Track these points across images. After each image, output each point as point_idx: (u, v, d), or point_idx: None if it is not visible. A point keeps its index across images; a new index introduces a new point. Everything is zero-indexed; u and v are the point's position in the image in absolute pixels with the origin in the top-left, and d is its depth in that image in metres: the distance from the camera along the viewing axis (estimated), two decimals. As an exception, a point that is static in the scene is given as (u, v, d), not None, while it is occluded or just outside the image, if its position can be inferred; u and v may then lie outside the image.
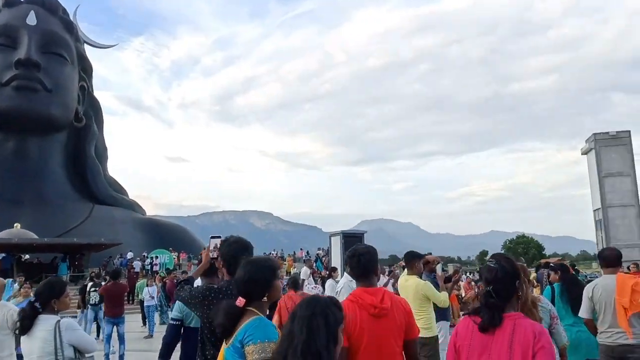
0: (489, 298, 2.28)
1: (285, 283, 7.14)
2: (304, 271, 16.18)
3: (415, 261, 5.10)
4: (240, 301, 2.30)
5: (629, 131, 36.47)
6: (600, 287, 4.41)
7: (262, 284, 2.34)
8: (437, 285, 5.39)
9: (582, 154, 40.10)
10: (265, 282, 2.34)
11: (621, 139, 35.72)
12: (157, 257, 32.35)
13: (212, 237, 3.14)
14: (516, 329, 2.18)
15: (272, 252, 43.01)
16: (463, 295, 17.32)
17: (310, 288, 10.32)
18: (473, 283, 18.57)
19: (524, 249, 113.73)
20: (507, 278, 2.31)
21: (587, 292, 4.50)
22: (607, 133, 36.56)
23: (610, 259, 4.53)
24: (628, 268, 12.17)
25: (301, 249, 46.74)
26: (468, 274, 26.32)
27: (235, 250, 2.88)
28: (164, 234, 39.82)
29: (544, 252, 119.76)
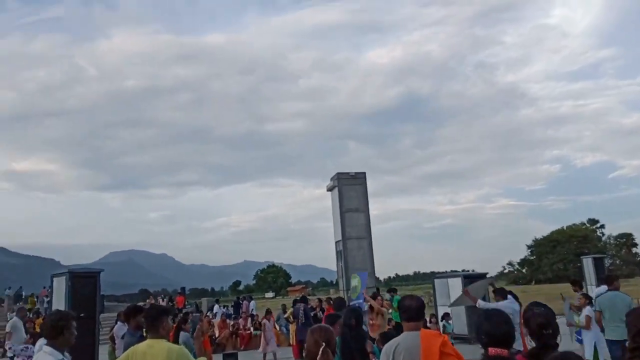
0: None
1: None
2: (12, 323, 11.79)
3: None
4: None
5: (365, 172, 41.77)
6: (403, 348, 3.40)
7: None
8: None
9: (327, 190, 44.21)
10: None
11: (359, 179, 40.55)
12: None
13: None
14: None
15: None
16: (217, 335, 16.28)
17: (18, 350, 7.79)
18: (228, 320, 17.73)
19: (274, 277, 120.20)
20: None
21: (385, 353, 3.50)
22: (348, 173, 41.16)
23: (411, 311, 3.54)
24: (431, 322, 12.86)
25: (44, 287, 36.84)
26: (222, 307, 25.30)
27: None
28: None
29: (290, 280, 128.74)
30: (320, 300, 12.91)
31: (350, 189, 40.43)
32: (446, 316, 12.22)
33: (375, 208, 41.34)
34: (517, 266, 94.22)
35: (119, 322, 10.16)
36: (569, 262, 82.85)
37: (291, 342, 13.94)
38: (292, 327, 13.52)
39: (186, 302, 34.09)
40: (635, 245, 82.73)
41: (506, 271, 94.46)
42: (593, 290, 17.35)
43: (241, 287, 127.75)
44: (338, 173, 41.58)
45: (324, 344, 2.76)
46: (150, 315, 3.71)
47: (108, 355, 11.63)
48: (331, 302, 15.03)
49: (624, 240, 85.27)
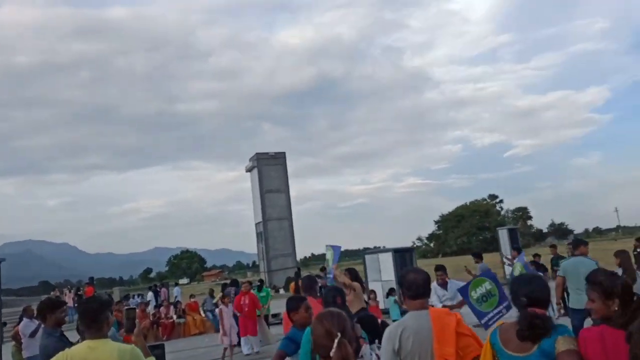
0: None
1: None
2: None
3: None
4: None
5: (284, 152, 41.25)
6: (411, 332, 2.81)
7: None
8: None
9: (246, 171, 43.20)
10: None
11: (278, 159, 40.01)
12: None
13: None
14: None
15: None
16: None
17: None
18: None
19: (188, 263, 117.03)
20: None
21: (389, 338, 2.87)
22: (267, 153, 40.41)
23: (416, 287, 2.92)
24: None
25: None
26: (137, 297, 23.80)
27: None
28: None
29: (205, 265, 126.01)
30: (250, 283, 12.26)
31: (270, 169, 39.85)
32: (392, 291, 12.03)
33: (292, 189, 41.12)
34: (425, 241, 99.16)
35: (24, 319, 8.96)
36: (472, 235, 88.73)
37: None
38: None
39: (95, 293, 31.83)
40: (530, 217, 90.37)
41: (415, 246, 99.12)
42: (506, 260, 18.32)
43: (153, 275, 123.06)
44: (257, 153, 40.76)
45: (339, 334, 2.16)
46: (91, 310, 2.94)
47: (12, 356, 10.32)
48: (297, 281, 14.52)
49: (520, 213, 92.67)
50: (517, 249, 13.15)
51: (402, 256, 14.41)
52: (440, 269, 7.87)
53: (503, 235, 19.41)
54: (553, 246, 12.76)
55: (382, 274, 14.34)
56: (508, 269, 18.18)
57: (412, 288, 2.94)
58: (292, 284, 14.87)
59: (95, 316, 2.93)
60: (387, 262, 14.20)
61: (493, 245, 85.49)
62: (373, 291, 11.20)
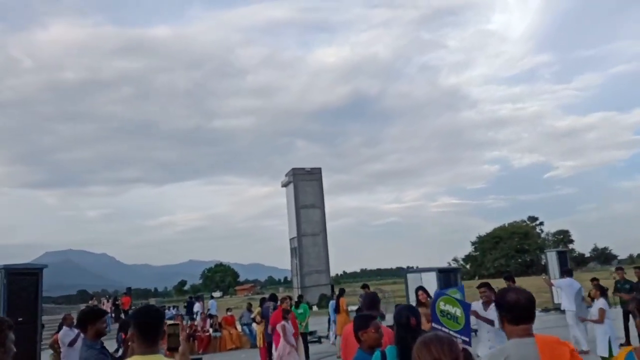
0: None
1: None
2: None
3: None
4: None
5: (320, 168, 41.04)
6: None
7: None
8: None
9: (282, 186, 43.16)
10: None
11: (314, 174, 39.78)
12: None
13: None
14: None
15: None
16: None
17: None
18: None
19: (221, 276, 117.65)
20: None
21: None
22: (304, 169, 40.26)
23: (518, 310, 2.45)
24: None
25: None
26: (172, 309, 23.73)
27: None
28: None
29: (238, 279, 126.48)
30: (289, 298, 11.89)
31: (305, 185, 39.65)
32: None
33: (326, 206, 40.84)
34: (461, 262, 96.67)
35: (64, 327, 8.87)
36: (511, 258, 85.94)
37: (258, 344, 12.86)
38: (260, 328, 12.42)
39: (132, 304, 32.11)
40: (572, 241, 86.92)
41: (451, 267, 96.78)
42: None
43: (187, 287, 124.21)
44: (293, 168, 40.67)
45: None
46: (150, 322, 2.63)
47: (50, 364, 10.25)
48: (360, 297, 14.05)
49: (562, 236, 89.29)
50: (567, 271, 12.39)
51: (446, 276, 13.78)
52: (484, 285, 6.85)
53: (552, 258, 18.47)
54: (620, 269, 11.86)
55: (425, 294, 13.74)
56: (555, 294, 17.24)
57: (514, 311, 2.44)
58: (342, 300, 14.29)
59: (154, 329, 2.63)
60: (430, 283, 13.56)
61: (532, 268, 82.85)
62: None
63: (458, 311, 5.32)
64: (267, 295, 14.17)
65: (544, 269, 19.79)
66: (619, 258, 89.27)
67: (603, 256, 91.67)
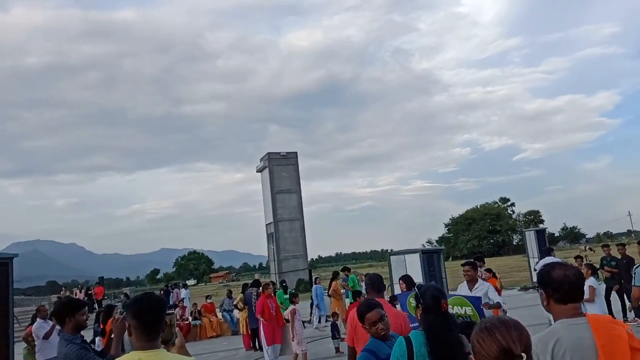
0: None
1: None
2: None
3: None
4: None
5: (296, 152, 40.50)
6: (565, 344, 2.09)
7: None
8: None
9: (257, 171, 42.51)
10: None
11: (290, 159, 39.26)
12: None
13: None
14: None
15: None
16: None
17: None
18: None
19: (195, 264, 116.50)
20: None
21: (537, 354, 2.08)
22: (279, 153, 39.70)
23: (568, 287, 2.19)
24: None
25: None
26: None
27: None
28: None
29: (213, 266, 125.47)
30: (273, 283, 11.55)
31: (281, 169, 39.11)
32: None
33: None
34: (435, 244, 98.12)
35: (38, 319, 8.36)
36: (483, 239, 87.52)
37: (241, 331, 12.53)
38: (242, 315, 12.08)
39: (105, 294, 31.31)
40: (542, 221, 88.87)
41: (434, 248, 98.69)
42: (534, 262, 17.53)
43: (160, 276, 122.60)
44: (269, 153, 40.04)
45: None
46: (152, 312, 2.28)
47: (24, 358, 9.69)
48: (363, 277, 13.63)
49: (532, 217, 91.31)
50: (547, 250, 12.38)
51: (429, 257, 13.68)
52: (469, 264, 6.40)
53: (530, 236, 18.60)
54: (606, 245, 11.90)
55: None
56: (533, 273, 17.39)
57: (563, 288, 2.16)
58: (335, 283, 13.87)
59: (155, 320, 2.27)
60: (414, 264, 13.44)
61: (504, 249, 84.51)
62: (394, 296, 10.46)
63: (469, 310, 4.96)
64: (249, 282, 13.81)
65: (516, 249, 19.96)
66: (587, 237, 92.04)
67: (572, 235, 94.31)
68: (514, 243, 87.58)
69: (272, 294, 9.96)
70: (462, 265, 6.50)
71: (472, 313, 4.90)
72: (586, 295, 8.00)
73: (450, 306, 4.91)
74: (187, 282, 58.91)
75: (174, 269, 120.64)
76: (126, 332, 2.47)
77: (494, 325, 1.64)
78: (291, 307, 9.24)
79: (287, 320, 9.21)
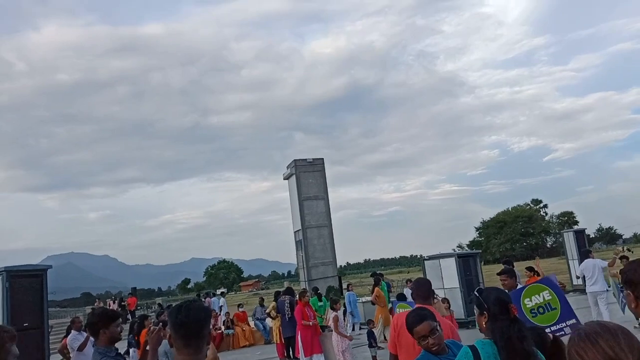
0: None
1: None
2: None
3: None
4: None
5: (322, 159, 40.34)
6: None
7: None
8: None
9: (284, 179, 42.50)
10: None
11: (317, 165, 39.10)
12: None
13: None
14: None
15: None
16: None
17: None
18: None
19: (225, 273, 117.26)
20: None
21: None
22: (305, 160, 39.60)
23: None
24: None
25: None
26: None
27: None
28: None
29: (242, 275, 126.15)
30: (305, 291, 11.35)
31: (308, 176, 38.95)
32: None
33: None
34: (466, 248, 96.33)
35: (72, 331, 8.33)
36: (516, 242, 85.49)
37: (275, 340, 12.33)
38: (275, 323, 11.90)
39: (138, 304, 31.64)
40: (577, 222, 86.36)
41: (470, 252, 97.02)
42: (575, 265, 16.80)
43: (190, 285, 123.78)
44: (295, 160, 39.96)
45: None
46: (196, 321, 2.07)
47: (59, 371, 9.72)
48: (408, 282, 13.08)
49: (566, 218, 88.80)
50: (587, 252, 11.77)
51: (466, 261, 13.27)
52: (505, 272, 5.83)
53: (569, 238, 17.90)
54: None
55: (445, 281, 13.22)
56: (574, 275, 16.68)
57: None
58: (377, 289, 13.22)
59: (200, 329, 2.07)
60: (450, 269, 13.07)
61: (537, 251, 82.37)
62: (446, 299, 10.12)
63: (546, 294, 4.56)
64: (281, 290, 13.60)
65: (550, 251, 19.27)
66: (624, 237, 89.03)
67: (608, 236, 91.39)
68: (548, 245, 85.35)
69: (308, 302, 9.72)
70: (498, 274, 6.13)
71: (550, 297, 4.57)
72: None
73: (528, 299, 4.59)
74: (217, 291, 59.35)
75: (204, 278, 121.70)
76: (168, 343, 2.28)
77: (596, 333, 1.37)
78: (333, 313, 9.00)
79: (324, 327, 8.98)
